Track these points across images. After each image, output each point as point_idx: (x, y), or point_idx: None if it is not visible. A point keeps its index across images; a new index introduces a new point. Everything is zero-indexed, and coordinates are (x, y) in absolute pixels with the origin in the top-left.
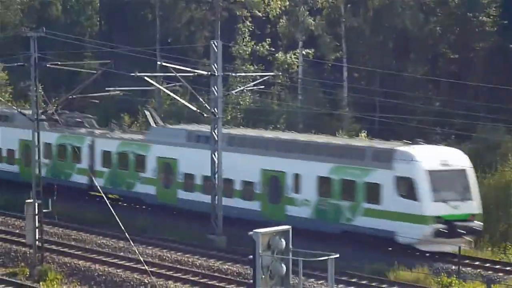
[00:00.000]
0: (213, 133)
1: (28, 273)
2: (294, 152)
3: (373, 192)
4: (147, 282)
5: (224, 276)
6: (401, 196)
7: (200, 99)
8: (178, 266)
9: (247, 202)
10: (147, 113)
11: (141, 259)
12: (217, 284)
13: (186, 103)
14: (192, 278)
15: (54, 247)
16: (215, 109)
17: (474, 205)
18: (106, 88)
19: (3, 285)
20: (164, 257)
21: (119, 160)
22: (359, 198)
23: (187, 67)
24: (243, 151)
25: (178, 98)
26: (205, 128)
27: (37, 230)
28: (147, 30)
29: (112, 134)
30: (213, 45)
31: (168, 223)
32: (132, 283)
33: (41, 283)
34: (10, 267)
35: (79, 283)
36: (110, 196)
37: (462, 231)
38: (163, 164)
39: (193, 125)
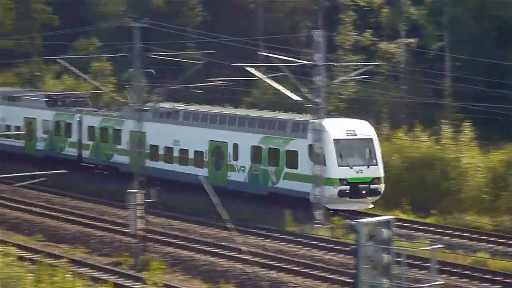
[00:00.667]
0: (313, 122)
1: (131, 263)
2: (234, 125)
3: (292, 158)
4: (249, 272)
5: (327, 266)
6: (314, 162)
7: (302, 89)
8: (281, 256)
9: (198, 169)
10: (126, 92)
11: (244, 249)
12: (319, 274)
13: (289, 93)
14: (295, 268)
15: (157, 237)
16: (318, 98)
17: (378, 170)
18: (207, 78)
19: (107, 275)
20: (267, 247)
21: (100, 134)
22: (281, 164)
23: (289, 57)
24: (195, 124)
25: (281, 88)
26: (168, 105)
27: (140, 220)
28: (250, 20)
29: (97, 112)
30: (316, 35)
31: (271, 212)
32: (234, 273)
33: (144, 272)
34: (114, 256)
35: (182, 273)
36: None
37: (364, 192)
38: (134, 136)
39: (159, 103)
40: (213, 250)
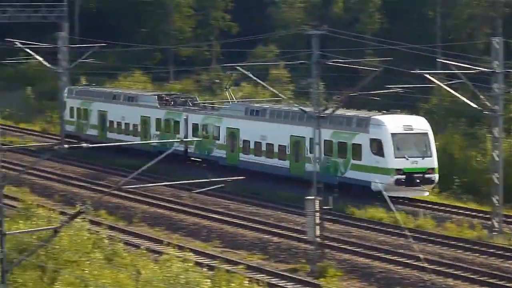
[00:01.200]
0: (494, 131)
1: (308, 269)
2: (310, 121)
3: (357, 151)
4: (426, 280)
5: (504, 274)
6: (374, 154)
7: (481, 96)
8: (458, 264)
9: (281, 161)
10: (226, 93)
11: (421, 256)
12: (496, 282)
13: (467, 100)
14: (472, 276)
15: (334, 243)
16: (496, 106)
17: (432, 161)
18: (385, 85)
19: (284, 281)
20: (444, 254)
21: (203, 130)
22: (348, 156)
23: (467, 64)
24: (279, 121)
25: (458, 95)
26: (258, 104)
27: (317, 227)
28: (428, 27)
29: (201, 110)
30: (494, 42)
31: (449, 219)
32: (411, 280)
33: (321, 279)
34: (291, 263)
35: (358, 280)
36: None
37: (418, 181)
38: (230, 133)
39: (251, 102)
40: (390, 258)
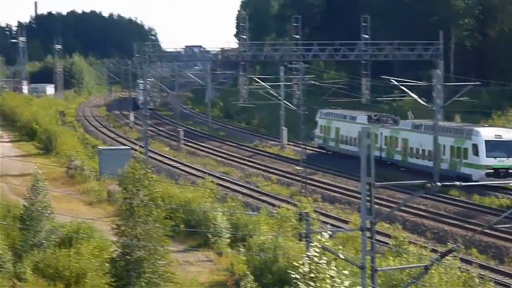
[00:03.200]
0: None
1: None
2: (444, 132)
3: (465, 152)
4: None
5: None
6: (473, 154)
7: None
8: None
9: (426, 161)
10: (409, 113)
11: None
12: None
13: None
14: None
15: None
16: None
17: None
18: None
19: None
20: None
21: (389, 140)
22: (461, 156)
23: None
24: (427, 132)
25: None
26: (424, 121)
27: None
28: None
29: (389, 126)
30: None
31: None
32: None
33: None
34: None
35: None
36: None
37: (502, 174)
38: (403, 141)
39: (419, 119)
40: None
